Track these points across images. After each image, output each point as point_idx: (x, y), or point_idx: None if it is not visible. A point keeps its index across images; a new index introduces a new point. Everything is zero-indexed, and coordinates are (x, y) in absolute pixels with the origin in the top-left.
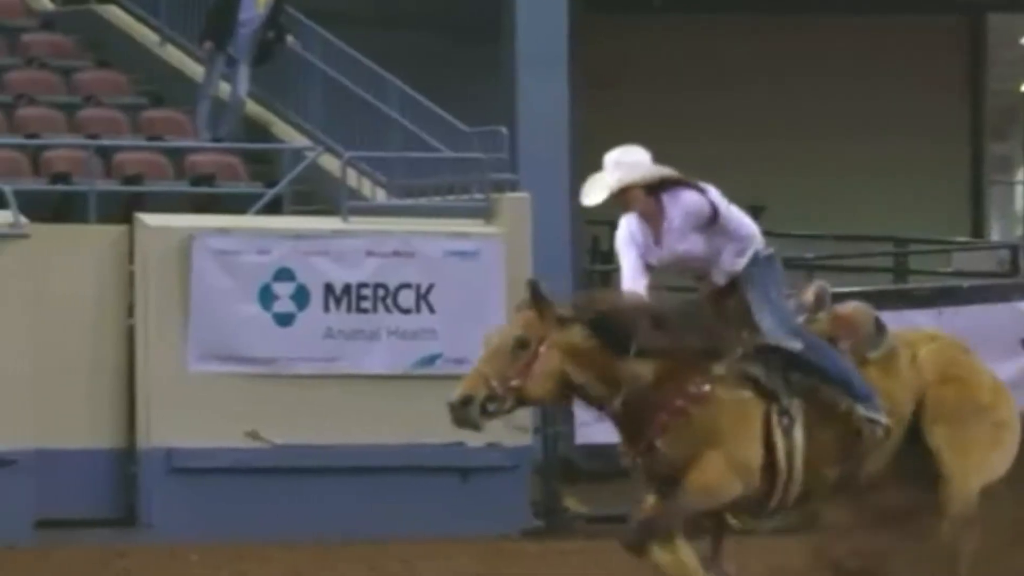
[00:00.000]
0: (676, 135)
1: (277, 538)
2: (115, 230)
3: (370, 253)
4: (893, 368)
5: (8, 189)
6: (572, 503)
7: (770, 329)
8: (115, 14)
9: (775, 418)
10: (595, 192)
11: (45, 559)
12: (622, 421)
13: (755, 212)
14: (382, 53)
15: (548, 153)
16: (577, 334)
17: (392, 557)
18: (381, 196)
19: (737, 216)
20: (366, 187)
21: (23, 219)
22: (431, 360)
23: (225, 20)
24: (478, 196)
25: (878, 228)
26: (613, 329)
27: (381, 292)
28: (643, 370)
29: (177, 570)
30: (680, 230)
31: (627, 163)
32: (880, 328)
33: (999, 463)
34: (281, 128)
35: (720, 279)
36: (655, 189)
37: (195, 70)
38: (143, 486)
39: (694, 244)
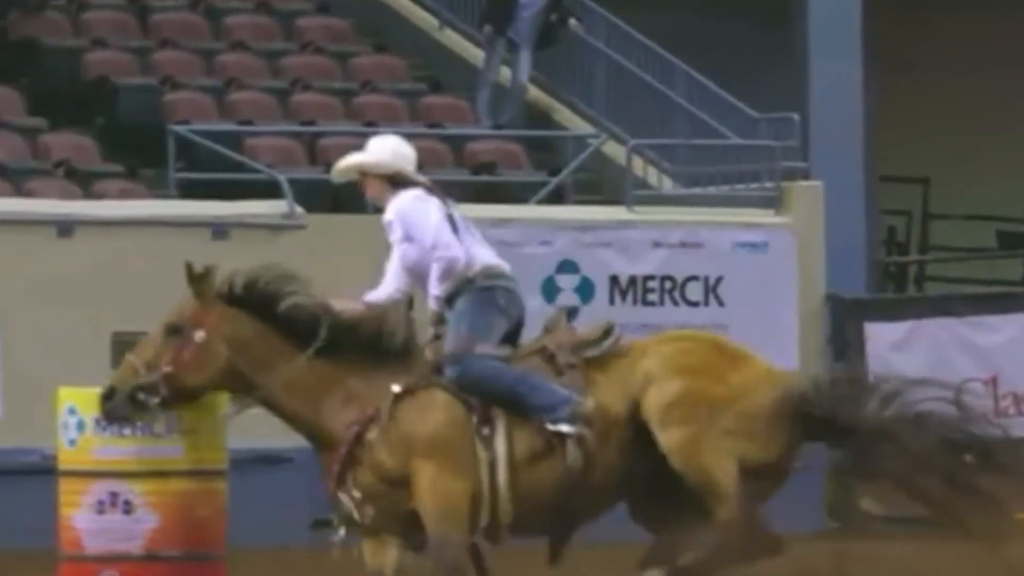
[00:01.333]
0: (978, 120)
1: None
2: None
3: (656, 244)
4: (611, 366)
5: (283, 178)
6: (868, 503)
7: (444, 352)
8: None
9: (474, 427)
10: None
11: (319, 559)
12: (302, 424)
13: None
14: (668, 36)
15: (841, 140)
16: (242, 322)
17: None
18: (667, 185)
19: (446, 240)
20: (652, 175)
21: (299, 209)
22: None
23: (505, 3)
24: (768, 185)
25: None
26: (284, 322)
27: (668, 285)
28: (316, 370)
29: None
30: (399, 236)
31: (377, 149)
32: (607, 333)
33: (755, 454)
34: (564, 115)
35: (432, 302)
36: (397, 183)
37: (475, 55)
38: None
39: (407, 253)
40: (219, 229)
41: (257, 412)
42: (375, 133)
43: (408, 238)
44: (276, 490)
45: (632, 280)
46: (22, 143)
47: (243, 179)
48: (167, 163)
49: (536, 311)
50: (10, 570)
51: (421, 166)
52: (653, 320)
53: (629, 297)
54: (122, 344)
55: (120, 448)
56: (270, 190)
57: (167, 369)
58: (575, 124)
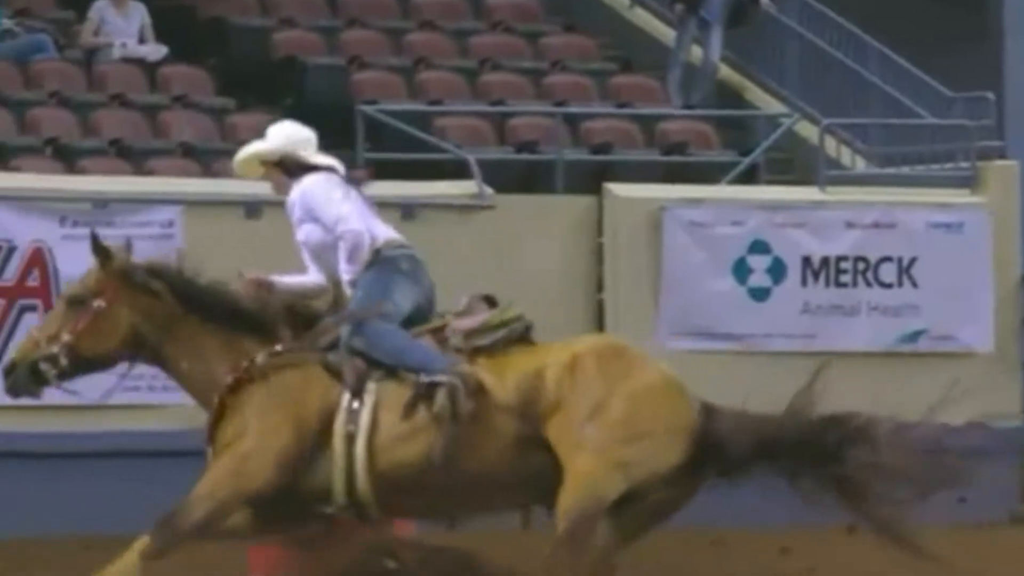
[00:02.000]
0: None
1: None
2: (583, 201)
3: (850, 225)
4: (505, 358)
5: (472, 158)
6: None
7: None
8: None
9: (344, 402)
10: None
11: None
12: (195, 394)
13: None
14: (862, 15)
15: None
16: (142, 290)
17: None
18: (860, 165)
19: (347, 214)
20: (845, 155)
21: (488, 189)
22: (914, 337)
23: None
24: (963, 165)
25: None
26: (179, 290)
27: (861, 266)
28: (205, 337)
29: None
30: (298, 217)
31: (271, 135)
32: (503, 324)
33: (646, 469)
34: (756, 94)
35: (345, 287)
36: (296, 170)
37: (666, 34)
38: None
39: (309, 234)
40: (408, 210)
41: None
42: (565, 113)
43: (310, 218)
44: None
45: (824, 261)
46: (210, 123)
47: (432, 159)
48: (355, 143)
49: (727, 292)
50: None
51: (611, 145)
52: (846, 301)
53: (821, 278)
54: None
55: None
56: (459, 170)
57: (66, 338)
58: (767, 103)
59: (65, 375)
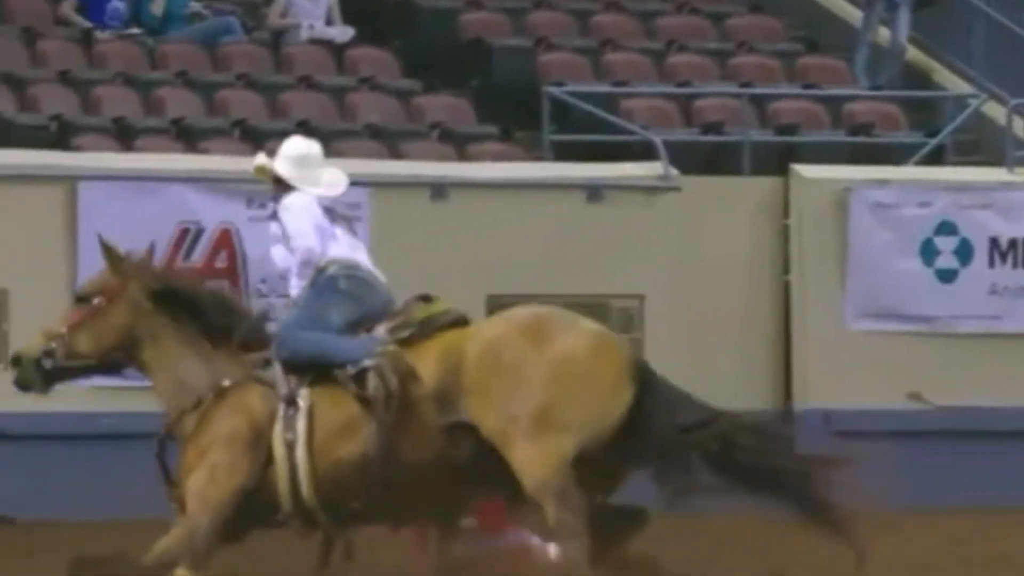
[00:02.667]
0: None
1: (937, 504)
2: (769, 182)
3: None
4: (427, 346)
5: (658, 140)
6: None
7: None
8: None
9: (280, 411)
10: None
11: (699, 525)
12: (163, 401)
13: None
14: None
15: None
16: (135, 294)
17: None
18: None
19: (303, 231)
20: None
21: (673, 171)
22: None
23: None
24: None
25: None
26: (171, 298)
27: None
28: (183, 349)
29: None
30: (276, 234)
31: (281, 151)
32: (426, 320)
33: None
34: (943, 75)
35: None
36: (285, 188)
37: (852, 14)
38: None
39: (276, 254)
40: (593, 191)
41: None
42: (751, 94)
43: (280, 237)
44: None
45: (1012, 242)
46: (397, 105)
47: (618, 141)
48: (541, 125)
49: (914, 273)
50: None
51: (797, 126)
52: None
53: (1009, 259)
54: (497, 307)
55: None
56: (645, 152)
57: (62, 331)
58: (954, 84)
59: (62, 371)
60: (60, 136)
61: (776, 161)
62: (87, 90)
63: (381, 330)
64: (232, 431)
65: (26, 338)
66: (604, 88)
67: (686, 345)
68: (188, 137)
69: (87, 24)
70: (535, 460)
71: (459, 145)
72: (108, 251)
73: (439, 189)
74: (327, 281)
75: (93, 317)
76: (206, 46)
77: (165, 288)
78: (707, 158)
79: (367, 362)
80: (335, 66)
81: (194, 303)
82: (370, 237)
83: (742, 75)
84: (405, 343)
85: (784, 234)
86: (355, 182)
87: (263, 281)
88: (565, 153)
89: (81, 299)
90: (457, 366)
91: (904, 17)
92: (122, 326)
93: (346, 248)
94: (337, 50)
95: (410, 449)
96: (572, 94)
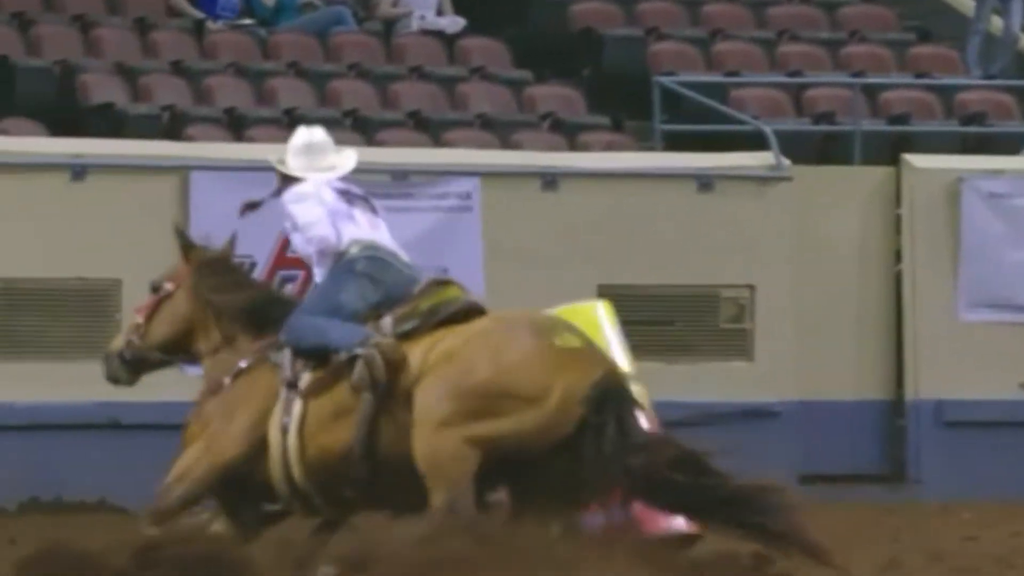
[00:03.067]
0: None
1: None
2: (881, 172)
3: None
4: (420, 341)
5: (769, 129)
6: None
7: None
8: None
9: (283, 394)
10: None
11: (810, 515)
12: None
13: None
14: None
15: None
16: (196, 283)
17: None
18: None
19: (313, 220)
20: None
21: (785, 161)
22: None
23: None
24: None
25: None
26: (218, 285)
27: None
28: (229, 337)
29: (948, 529)
30: (288, 228)
31: (292, 146)
32: (429, 311)
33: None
34: None
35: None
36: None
37: (964, 4)
38: (911, 440)
39: (294, 243)
40: (704, 181)
41: None
42: (863, 84)
43: (294, 228)
44: (763, 445)
45: None
46: (508, 95)
47: (729, 131)
48: (652, 115)
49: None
50: None
51: (908, 116)
52: None
53: None
54: (607, 297)
55: None
56: (756, 141)
57: (140, 321)
58: None
59: (144, 362)
60: (172, 126)
61: (887, 151)
62: (199, 80)
63: (388, 320)
64: (231, 410)
65: None
66: (715, 78)
67: (797, 336)
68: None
69: (199, 15)
70: (436, 446)
71: (570, 135)
72: (180, 238)
73: (550, 179)
74: (346, 264)
75: (161, 306)
76: (318, 36)
77: (211, 275)
78: (818, 148)
79: (358, 351)
80: (446, 56)
81: (237, 290)
82: (481, 227)
83: (854, 64)
84: (407, 335)
85: (895, 224)
86: (465, 172)
87: None
88: (676, 143)
89: (154, 289)
90: (429, 360)
91: (1017, 6)
92: (181, 315)
93: (366, 229)
94: (448, 40)
95: (397, 439)
96: (683, 84)
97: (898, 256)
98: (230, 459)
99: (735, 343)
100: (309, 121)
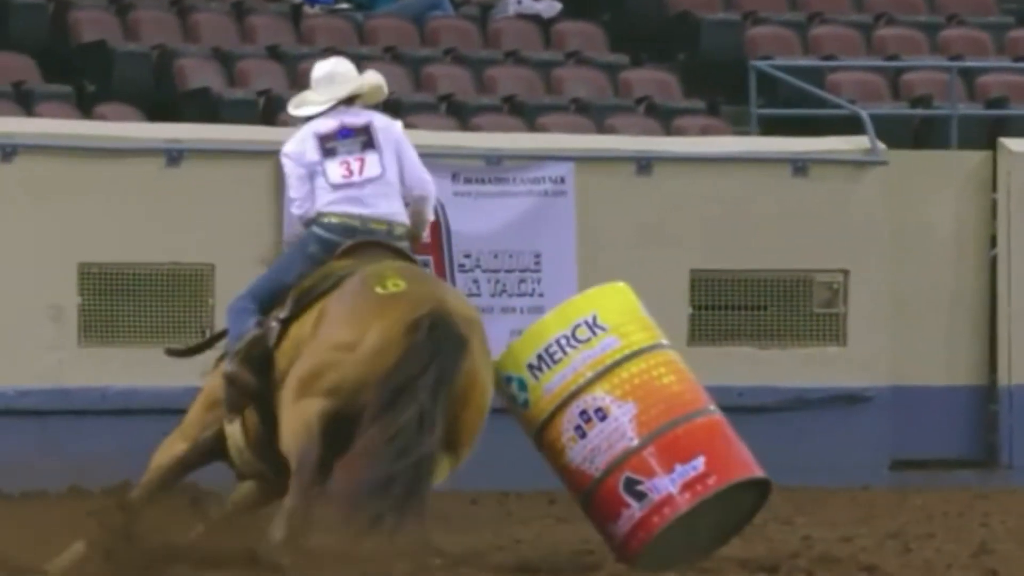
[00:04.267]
0: None
1: None
2: (977, 156)
3: None
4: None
5: (865, 113)
6: None
7: None
8: None
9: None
10: None
11: (901, 501)
12: None
13: None
14: None
15: None
16: None
17: None
18: None
19: (291, 183)
20: None
21: (881, 145)
22: None
23: None
24: None
25: None
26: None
27: None
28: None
29: None
30: None
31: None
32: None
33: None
34: None
35: None
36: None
37: None
38: (1004, 426)
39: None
40: (799, 166)
41: None
42: (960, 67)
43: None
44: (855, 430)
45: None
46: (604, 79)
47: (824, 115)
48: (748, 99)
49: None
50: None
51: (1006, 100)
52: None
53: None
54: (698, 281)
55: (561, 372)
56: (852, 126)
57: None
58: None
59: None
60: (268, 112)
61: (984, 135)
62: (295, 65)
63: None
64: (204, 391)
65: None
66: (811, 62)
67: (890, 320)
68: (395, 111)
69: (297, 0)
70: (284, 426)
71: (665, 119)
72: None
73: (645, 163)
74: (300, 243)
75: None
76: (414, 21)
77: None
78: (915, 132)
79: (230, 345)
80: (542, 41)
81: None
82: (574, 212)
83: (951, 48)
84: (287, 321)
85: (991, 209)
86: (560, 157)
87: (467, 256)
88: (771, 127)
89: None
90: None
91: None
92: None
93: (345, 178)
94: (544, 25)
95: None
96: (779, 68)
97: (993, 241)
98: (191, 446)
99: (828, 328)
100: (404, 106)
